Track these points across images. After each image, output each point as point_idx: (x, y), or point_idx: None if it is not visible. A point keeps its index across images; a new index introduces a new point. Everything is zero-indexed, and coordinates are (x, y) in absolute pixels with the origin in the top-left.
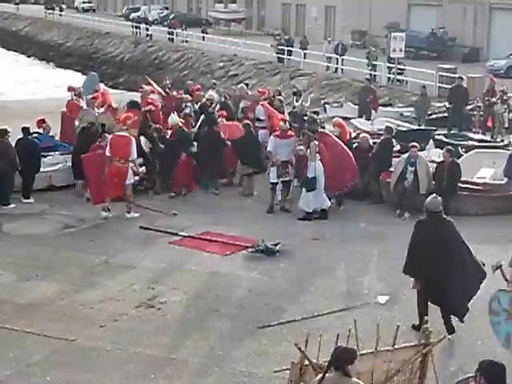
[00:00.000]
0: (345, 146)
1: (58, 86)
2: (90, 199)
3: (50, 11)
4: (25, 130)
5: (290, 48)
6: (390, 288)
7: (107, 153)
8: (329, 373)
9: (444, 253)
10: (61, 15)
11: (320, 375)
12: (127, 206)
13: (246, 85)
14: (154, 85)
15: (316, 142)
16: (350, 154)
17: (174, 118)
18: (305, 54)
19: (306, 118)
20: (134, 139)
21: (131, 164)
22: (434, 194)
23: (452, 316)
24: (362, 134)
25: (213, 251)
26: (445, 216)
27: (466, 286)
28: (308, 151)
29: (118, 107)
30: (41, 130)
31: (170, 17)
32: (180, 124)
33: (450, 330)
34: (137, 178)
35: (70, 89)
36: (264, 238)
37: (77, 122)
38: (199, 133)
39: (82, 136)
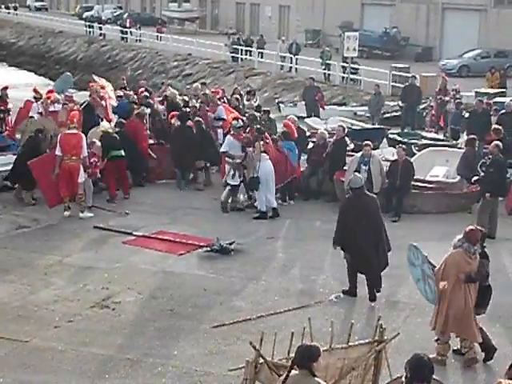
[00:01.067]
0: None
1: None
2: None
3: (6, 10)
4: None
5: (247, 48)
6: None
7: (57, 152)
8: (293, 371)
9: (367, 222)
10: (16, 14)
11: (284, 375)
12: (80, 206)
13: (204, 84)
14: (103, 81)
15: (262, 142)
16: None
17: (104, 125)
18: (261, 53)
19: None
20: (83, 136)
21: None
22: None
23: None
24: (320, 131)
25: (167, 251)
26: (366, 192)
27: (380, 257)
28: (253, 150)
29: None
30: None
31: (124, 16)
32: (110, 130)
33: (372, 297)
34: (86, 175)
35: (35, 91)
36: (219, 237)
37: (18, 135)
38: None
39: (29, 144)
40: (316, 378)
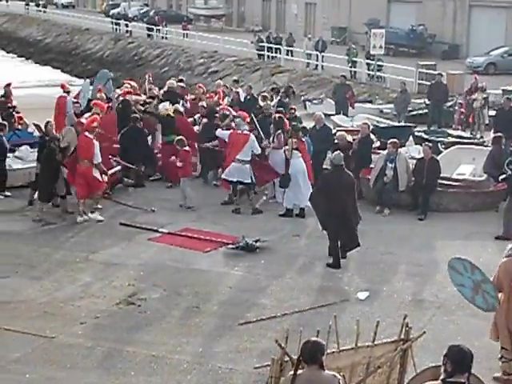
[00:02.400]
0: None
1: (39, 82)
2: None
3: (37, 8)
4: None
5: (276, 46)
6: (370, 284)
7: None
8: (301, 368)
9: (343, 194)
10: (45, 11)
11: (290, 374)
12: (92, 206)
13: (236, 81)
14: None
15: (295, 140)
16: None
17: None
18: (290, 51)
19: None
20: (96, 143)
21: (96, 167)
22: (338, 151)
23: None
24: (339, 133)
25: (193, 248)
26: (345, 169)
27: (353, 222)
28: (286, 148)
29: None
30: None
31: (150, 13)
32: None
33: (343, 255)
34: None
35: (63, 86)
36: (244, 235)
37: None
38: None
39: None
40: (329, 372)
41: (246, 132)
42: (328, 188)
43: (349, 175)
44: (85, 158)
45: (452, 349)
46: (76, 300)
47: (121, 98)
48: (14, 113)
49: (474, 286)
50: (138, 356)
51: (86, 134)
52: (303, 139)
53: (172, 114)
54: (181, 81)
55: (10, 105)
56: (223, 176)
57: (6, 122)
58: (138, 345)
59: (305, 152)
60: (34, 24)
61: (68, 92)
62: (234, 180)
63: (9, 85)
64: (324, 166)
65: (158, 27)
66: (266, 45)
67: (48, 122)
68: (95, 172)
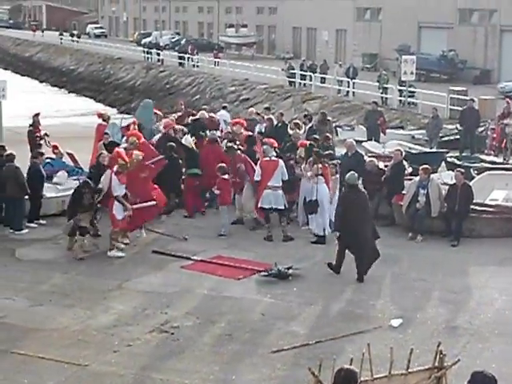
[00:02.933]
0: None
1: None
2: None
3: (71, 38)
4: (36, 154)
5: (304, 72)
6: (403, 311)
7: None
8: None
9: (358, 212)
10: (78, 41)
11: None
12: (110, 243)
13: (268, 108)
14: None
15: (320, 165)
16: None
17: (187, 139)
18: (323, 78)
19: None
20: (113, 175)
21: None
22: (352, 172)
23: None
24: (369, 159)
25: (225, 275)
26: (360, 188)
27: (368, 241)
28: (309, 173)
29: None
30: (53, 156)
31: (182, 42)
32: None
33: (361, 277)
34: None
35: (99, 115)
36: (277, 262)
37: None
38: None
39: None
40: None
41: (274, 158)
42: (344, 206)
43: (363, 193)
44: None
45: (475, 375)
46: (109, 328)
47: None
48: (41, 142)
49: None
50: None
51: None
52: (326, 165)
53: (195, 148)
54: (224, 108)
55: (37, 134)
56: (259, 205)
57: (43, 151)
58: (171, 373)
59: (328, 177)
60: (66, 54)
61: (106, 119)
62: (269, 207)
63: (37, 114)
64: None
65: (190, 56)
66: (296, 72)
67: (100, 155)
68: (115, 206)
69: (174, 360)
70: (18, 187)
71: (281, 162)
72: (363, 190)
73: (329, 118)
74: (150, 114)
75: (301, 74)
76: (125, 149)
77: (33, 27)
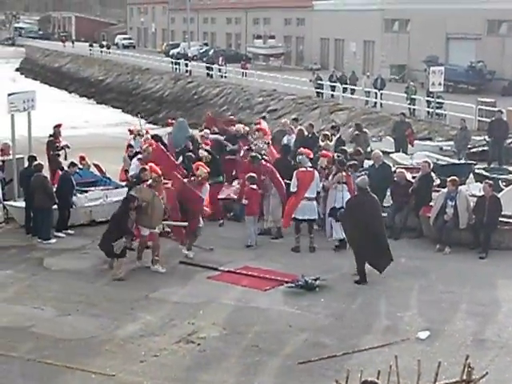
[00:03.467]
0: None
1: (101, 121)
2: None
3: (100, 49)
4: (70, 164)
5: (332, 83)
6: (431, 323)
7: None
8: None
9: (368, 216)
10: (109, 53)
11: None
12: (152, 256)
13: (296, 120)
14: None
15: (344, 174)
16: None
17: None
18: (349, 88)
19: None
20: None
21: None
22: (364, 176)
23: None
24: (399, 170)
25: (252, 286)
26: (370, 192)
27: (380, 243)
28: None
29: None
30: (81, 166)
31: (210, 52)
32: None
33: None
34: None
35: (131, 132)
36: (304, 273)
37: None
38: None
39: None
40: None
41: (310, 169)
42: (355, 210)
43: (373, 197)
44: None
45: None
46: (136, 338)
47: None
48: (59, 153)
49: None
50: None
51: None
52: (349, 173)
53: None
54: (264, 118)
55: (58, 145)
56: (293, 215)
57: (75, 161)
58: (197, 383)
59: (351, 186)
60: (95, 64)
61: (136, 135)
62: (304, 218)
63: (59, 126)
64: (384, 204)
65: (221, 66)
66: (325, 83)
67: (144, 169)
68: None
69: (200, 371)
70: (46, 197)
71: (316, 173)
72: (373, 194)
73: (365, 129)
74: (186, 132)
75: (330, 86)
76: (140, 159)
77: (62, 38)
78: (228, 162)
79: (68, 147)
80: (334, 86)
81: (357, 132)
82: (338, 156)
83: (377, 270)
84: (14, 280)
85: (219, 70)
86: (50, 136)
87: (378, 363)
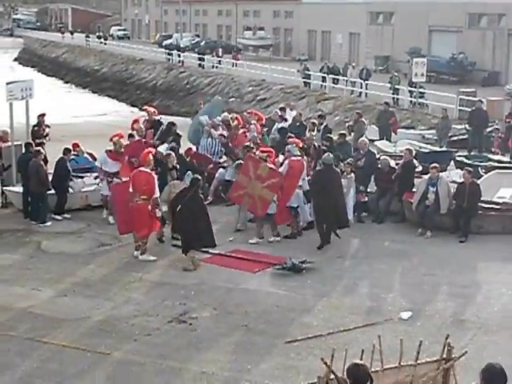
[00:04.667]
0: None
1: (96, 110)
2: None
3: (98, 40)
4: (65, 150)
5: (319, 74)
6: (413, 304)
7: (130, 189)
8: None
9: (332, 188)
10: (105, 44)
11: None
12: (140, 247)
13: (283, 109)
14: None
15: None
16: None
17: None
18: (335, 79)
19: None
20: (154, 176)
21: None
22: (328, 153)
23: None
24: (382, 158)
25: (242, 268)
26: (335, 167)
27: (340, 210)
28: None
29: None
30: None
31: (201, 43)
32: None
33: (326, 241)
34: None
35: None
36: (291, 256)
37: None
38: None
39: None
40: None
41: (299, 158)
42: (320, 182)
43: (336, 172)
44: (142, 194)
45: (487, 367)
46: (130, 318)
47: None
48: (44, 141)
49: None
50: (190, 372)
51: (144, 168)
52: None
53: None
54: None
55: (41, 133)
56: (288, 204)
57: (70, 147)
58: (189, 362)
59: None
60: (91, 55)
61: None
62: (296, 206)
63: (43, 115)
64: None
65: (220, 58)
66: (312, 73)
67: (170, 155)
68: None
69: (191, 349)
70: (39, 182)
71: (305, 162)
72: (336, 169)
73: (363, 119)
74: (218, 112)
75: (322, 76)
76: (109, 151)
77: (62, 29)
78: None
79: (47, 136)
80: (324, 77)
81: (355, 120)
82: (323, 143)
83: (334, 233)
84: (12, 262)
85: (219, 62)
86: (35, 126)
87: (362, 342)
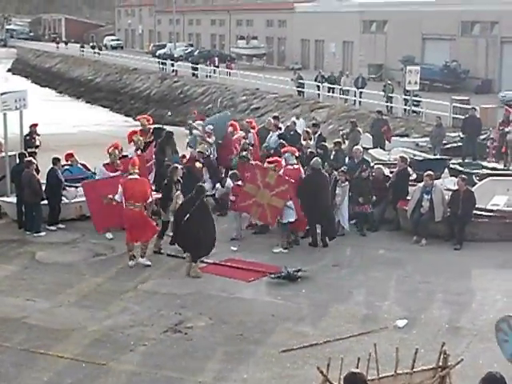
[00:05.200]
0: None
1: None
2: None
3: (92, 50)
4: (54, 160)
5: (312, 82)
6: (408, 312)
7: (117, 198)
8: None
9: (322, 192)
10: (99, 53)
11: None
12: (142, 250)
13: (276, 117)
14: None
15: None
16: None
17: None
18: (330, 88)
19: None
20: (147, 181)
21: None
22: (316, 158)
23: None
24: (376, 167)
25: (237, 277)
26: (323, 171)
27: (329, 215)
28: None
29: None
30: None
31: (195, 53)
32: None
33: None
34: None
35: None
36: (286, 265)
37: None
38: None
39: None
40: None
41: (296, 167)
42: (309, 186)
43: (325, 176)
44: (136, 201)
45: (488, 376)
46: (125, 328)
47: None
48: (36, 150)
49: None
50: (185, 382)
51: (134, 176)
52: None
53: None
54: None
55: (33, 142)
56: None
57: (59, 157)
58: (184, 371)
59: None
60: (85, 65)
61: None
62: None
63: (35, 125)
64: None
65: (216, 67)
66: (306, 82)
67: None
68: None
69: (187, 359)
70: (32, 193)
71: (302, 170)
72: (325, 173)
73: (359, 128)
74: (223, 125)
75: (317, 85)
76: (107, 164)
77: (57, 40)
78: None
79: (38, 147)
80: (319, 86)
81: (350, 129)
82: (311, 153)
83: (327, 236)
84: (7, 273)
85: (214, 71)
86: (26, 135)
87: (358, 351)
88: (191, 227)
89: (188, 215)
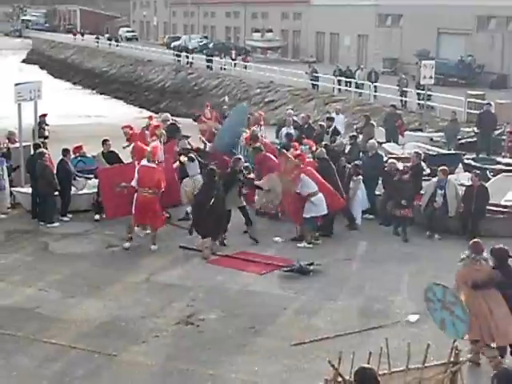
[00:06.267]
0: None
1: (102, 111)
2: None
3: (108, 42)
4: (64, 151)
5: (328, 76)
6: (421, 307)
7: (133, 183)
8: None
9: (328, 181)
10: (117, 45)
11: None
12: (153, 238)
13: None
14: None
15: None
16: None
17: None
18: (348, 82)
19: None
20: (161, 169)
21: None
22: (320, 149)
23: None
24: (390, 161)
25: (249, 270)
26: (328, 160)
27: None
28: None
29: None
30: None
31: (210, 45)
32: None
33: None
34: None
35: (150, 118)
36: (299, 258)
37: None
38: None
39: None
40: None
41: (311, 160)
42: (319, 172)
43: (330, 163)
44: (150, 187)
45: (502, 371)
46: (137, 319)
47: None
48: (46, 140)
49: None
50: (196, 374)
51: (151, 164)
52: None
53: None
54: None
55: (43, 131)
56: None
57: (68, 148)
58: (195, 363)
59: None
60: (99, 56)
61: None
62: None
63: (44, 115)
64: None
65: (235, 61)
66: (320, 75)
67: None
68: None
69: (198, 351)
70: (45, 183)
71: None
72: (330, 161)
73: (373, 122)
74: (243, 120)
75: (338, 80)
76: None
77: (74, 31)
78: None
79: (47, 137)
80: (340, 80)
81: (364, 123)
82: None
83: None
84: (20, 263)
85: (231, 64)
86: (39, 124)
87: (369, 345)
88: (215, 208)
89: (213, 198)
